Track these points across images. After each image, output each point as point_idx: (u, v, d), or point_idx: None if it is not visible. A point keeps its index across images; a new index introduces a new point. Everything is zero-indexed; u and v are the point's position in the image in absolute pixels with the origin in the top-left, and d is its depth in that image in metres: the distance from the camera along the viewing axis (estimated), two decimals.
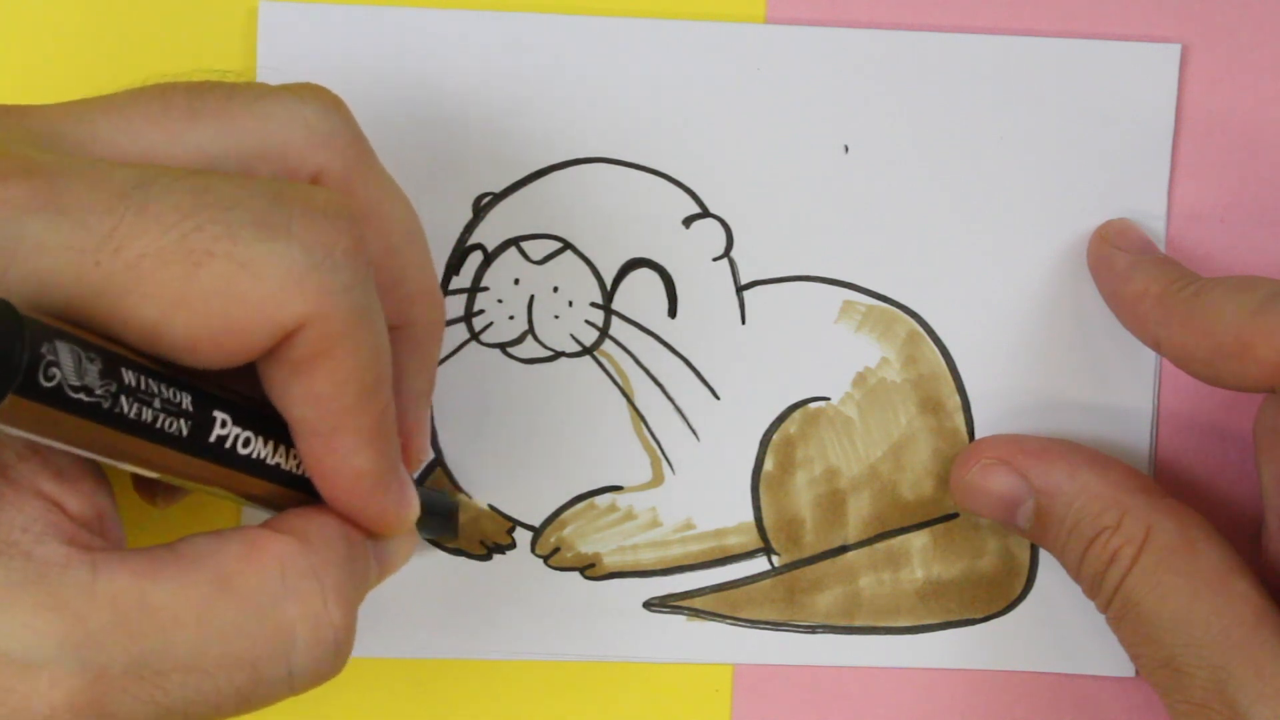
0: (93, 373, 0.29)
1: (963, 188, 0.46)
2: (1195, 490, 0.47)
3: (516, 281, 0.45)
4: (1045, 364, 0.46)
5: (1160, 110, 0.46)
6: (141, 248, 0.30)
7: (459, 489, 0.45)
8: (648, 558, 0.46)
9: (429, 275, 0.39)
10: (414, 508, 0.38)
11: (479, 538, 0.45)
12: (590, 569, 0.46)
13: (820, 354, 0.46)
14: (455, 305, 0.45)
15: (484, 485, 0.45)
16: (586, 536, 0.46)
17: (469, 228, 0.45)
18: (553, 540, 0.46)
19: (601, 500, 0.46)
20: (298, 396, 0.33)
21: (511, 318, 0.45)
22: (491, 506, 0.45)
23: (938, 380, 0.46)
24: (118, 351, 0.30)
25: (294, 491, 0.36)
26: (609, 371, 0.45)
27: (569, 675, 0.46)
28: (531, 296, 0.45)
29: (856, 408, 0.46)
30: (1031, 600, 0.47)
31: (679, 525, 0.46)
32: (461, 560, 0.45)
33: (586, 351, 0.45)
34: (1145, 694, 0.47)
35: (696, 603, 0.46)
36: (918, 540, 0.46)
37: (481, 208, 0.45)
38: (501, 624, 0.46)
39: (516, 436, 0.45)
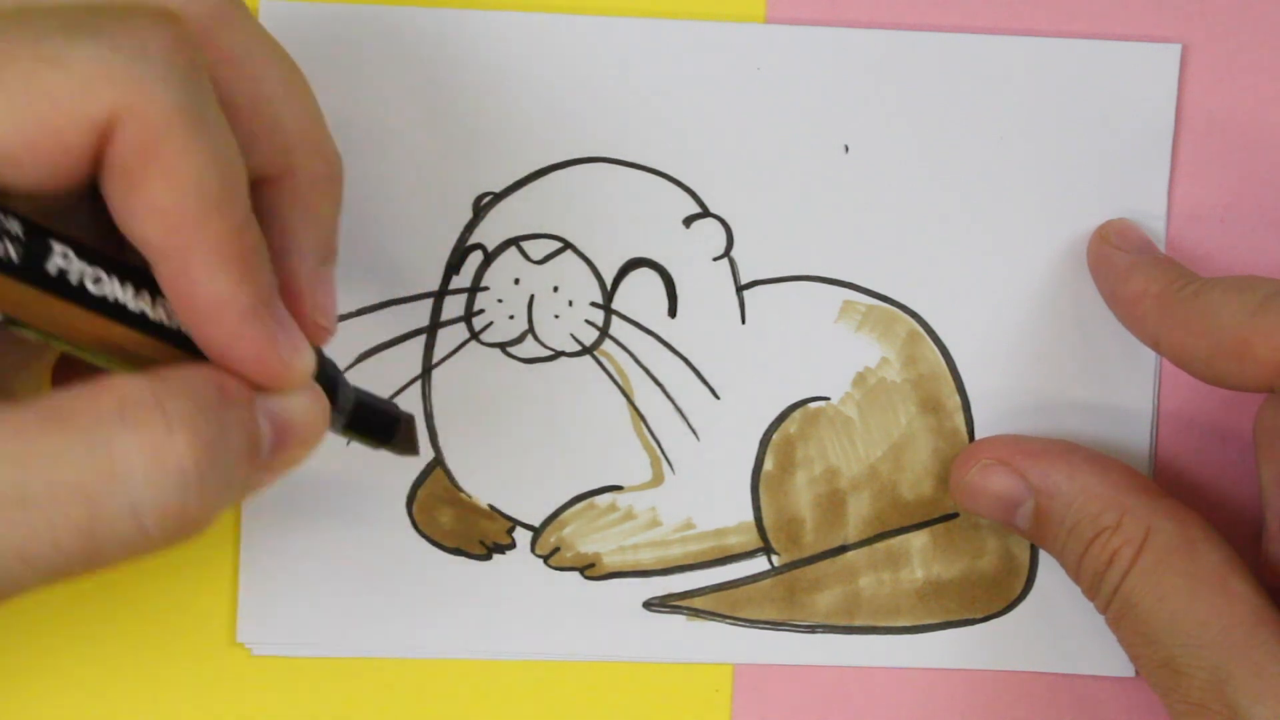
0: None
1: (963, 188, 0.46)
2: (1195, 490, 0.47)
3: (517, 281, 0.45)
4: (1045, 364, 0.46)
5: (1160, 110, 0.46)
6: None
7: (459, 488, 0.45)
8: (647, 557, 0.46)
9: (312, 125, 0.37)
10: (303, 355, 0.34)
11: (479, 537, 0.45)
12: (590, 569, 0.46)
13: (820, 354, 0.46)
14: (455, 305, 0.45)
15: (484, 485, 0.45)
16: (586, 536, 0.46)
17: (469, 227, 0.45)
18: (553, 540, 0.46)
19: (601, 500, 0.46)
20: (139, 211, 0.32)
21: (512, 317, 0.45)
22: (492, 506, 0.45)
23: (938, 380, 0.46)
24: None
25: (176, 350, 0.34)
26: (609, 371, 0.45)
27: (569, 675, 0.46)
28: (532, 296, 0.45)
29: (856, 408, 0.46)
30: (1031, 600, 0.47)
31: (679, 525, 0.46)
32: (461, 560, 0.45)
33: (586, 351, 0.45)
34: (1145, 694, 0.47)
35: (696, 602, 0.46)
36: (917, 540, 0.46)
37: (482, 207, 0.45)
38: (501, 624, 0.46)
39: (516, 436, 0.45)
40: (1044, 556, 0.46)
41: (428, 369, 0.45)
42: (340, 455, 0.45)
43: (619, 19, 0.45)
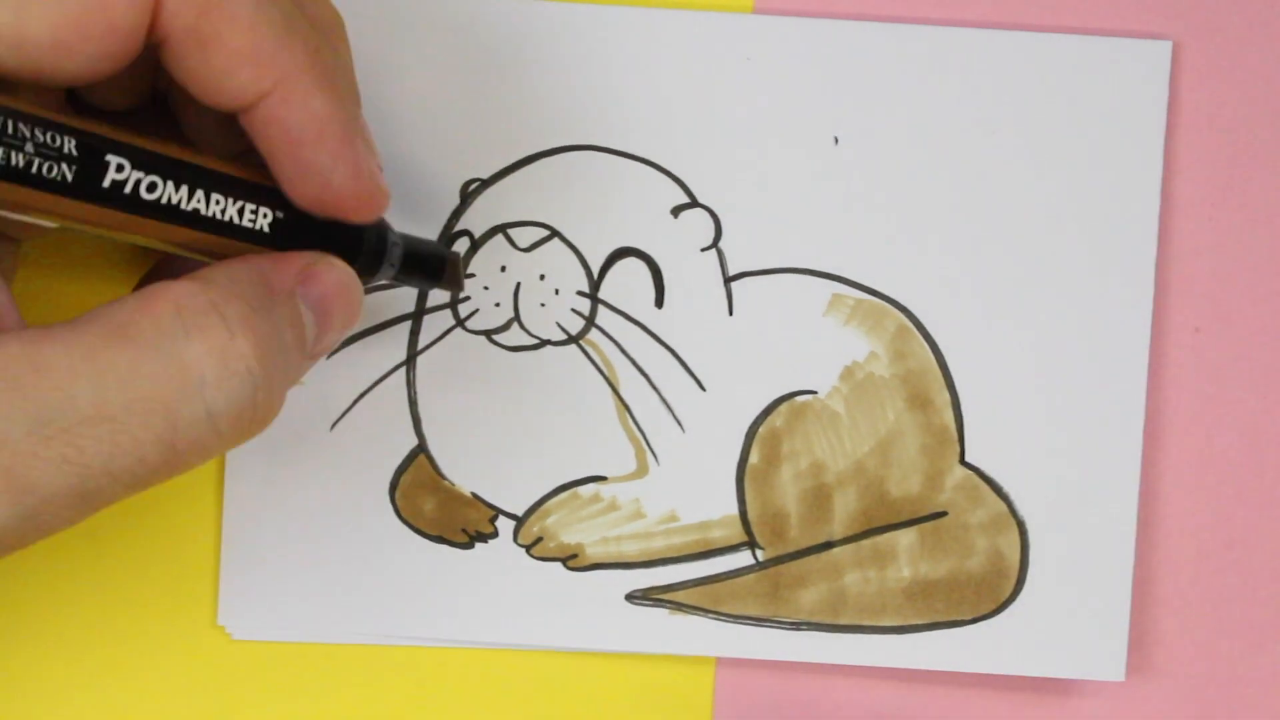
0: None
1: (954, 182, 0.46)
2: (1186, 485, 0.47)
3: (503, 268, 0.45)
4: (1035, 360, 0.46)
5: (1152, 106, 0.46)
6: None
7: (442, 476, 0.45)
8: (631, 549, 0.46)
9: None
10: (383, 180, 0.36)
11: (461, 526, 0.45)
12: (573, 560, 0.46)
13: (808, 347, 0.46)
14: (441, 292, 0.45)
15: (467, 473, 0.45)
16: (569, 527, 0.45)
17: (456, 214, 0.45)
18: (535, 530, 0.45)
19: (585, 490, 0.45)
20: (222, 65, 0.33)
21: (497, 305, 0.45)
22: (474, 494, 0.45)
23: (927, 375, 0.46)
24: None
25: (229, 241, 0.35)
26: (594, 361, 0.45)
27: (550, 665, 0.46)
28: (518, 284, 0.45)
29: (844, 402, 0.46)
30: (1021, 603, 0.46)
31: (663, 517, 0.46)
32: (444, 548, 0.45)
33: (572, 340, 0.45)
34: (1136, 699, 0.46)
35: (679, 596, 0.46)
36: (905, 538, 0.46)
37: (469, 194, 0.45)
38: (483, 613, 0.45)
39: (500, 425, 0.45)
40: (1034, 559, 0.46)
41: (412, 355, 0.45)
42: (324, 441, 0.45)
43: (609, 7, 0.45)
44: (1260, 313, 0.47)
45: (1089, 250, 0.46)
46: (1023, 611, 0.46)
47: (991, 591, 0.46)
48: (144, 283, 0.40)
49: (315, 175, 0.35)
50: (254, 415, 0.34)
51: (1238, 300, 0.47)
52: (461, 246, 0.45)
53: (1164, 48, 0.46)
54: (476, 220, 0.45)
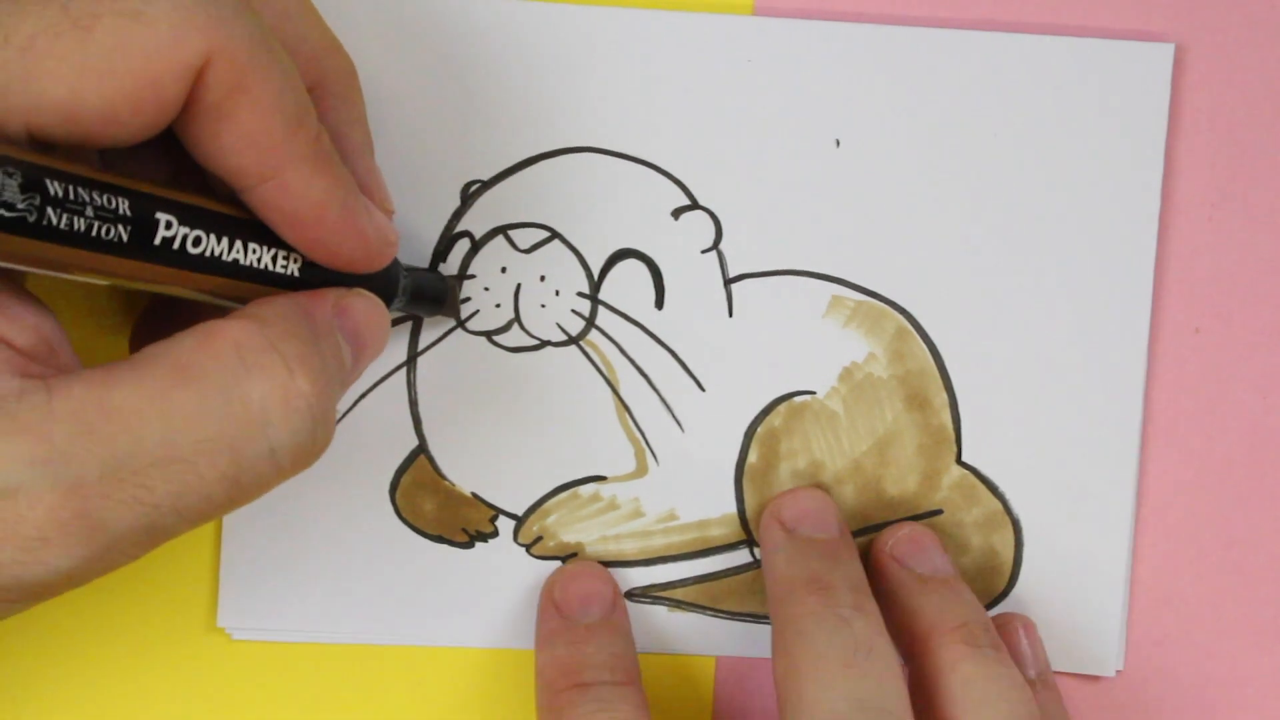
0: (12, 187, 0.29)
1: (954, 185, 0.46)
2: (1183, 488, 0.47)
3: (504, 270, 0.45)
4: (1033, 362, 0.46)
5: (1153, 108, 0.46)
6: (29, 29, 0.31)
7: (442, 476, 0.45)
8: (630, 548, 0.46)
9: (325, 30, 0.39)
10: (392, 231, 0.38)
11: (461, 525, 0.45)
12: (573, 559, 0.46)
13: (807, 348, 0.46)
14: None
15: (467, 473, 0.45)
16: (569, 526, 0.46)
17: (457, 215, 0.45)
18: (535, 529, 0.46)
19: (585, 490, 0.46)
20: (231, 144, 0.34)
21: (498, 306, 0.45)
22: (475, 494, 0.46)
23: (925, 377, 0.46)
24: (42, 163, 0.30)
25: (259, 285, 0.36)
26: (595, 361, 0.45)
27: None
28: (518, 285, 0.45)
29: (842, 402, 0.46)
30: (1013, 598, 0.46)
31: (662, 516, 0.46)
32: (444, 548, 0.45)
33: (572, 341, 0.45)
34: (1127, 693, 0.47)
35: (678, 594, 0.46)
36: None
37: (470, 195, 0.45)
38: (483, 612, 0.46)
39: (501, 425, 0.45)
40: (1027, 555, 0.46)
41: (413, 356, 0.45)
42: None
43: (610, 9, 0.45)
44: (1260, 313, 0.47)
45: (1089, 251, 0.46)
46: (1015, 607, 0.47)
47: (985, 587, 0.47)
48: (143, 321, 0.41)
49: (317, 247, 0.36)
50: (312, 448, 0.35)
51: (1238, 300, 0.47)
52: (462, 247, 0.45)
53: (1166, 50, 0.46)
54: (477, 221, 0.45)
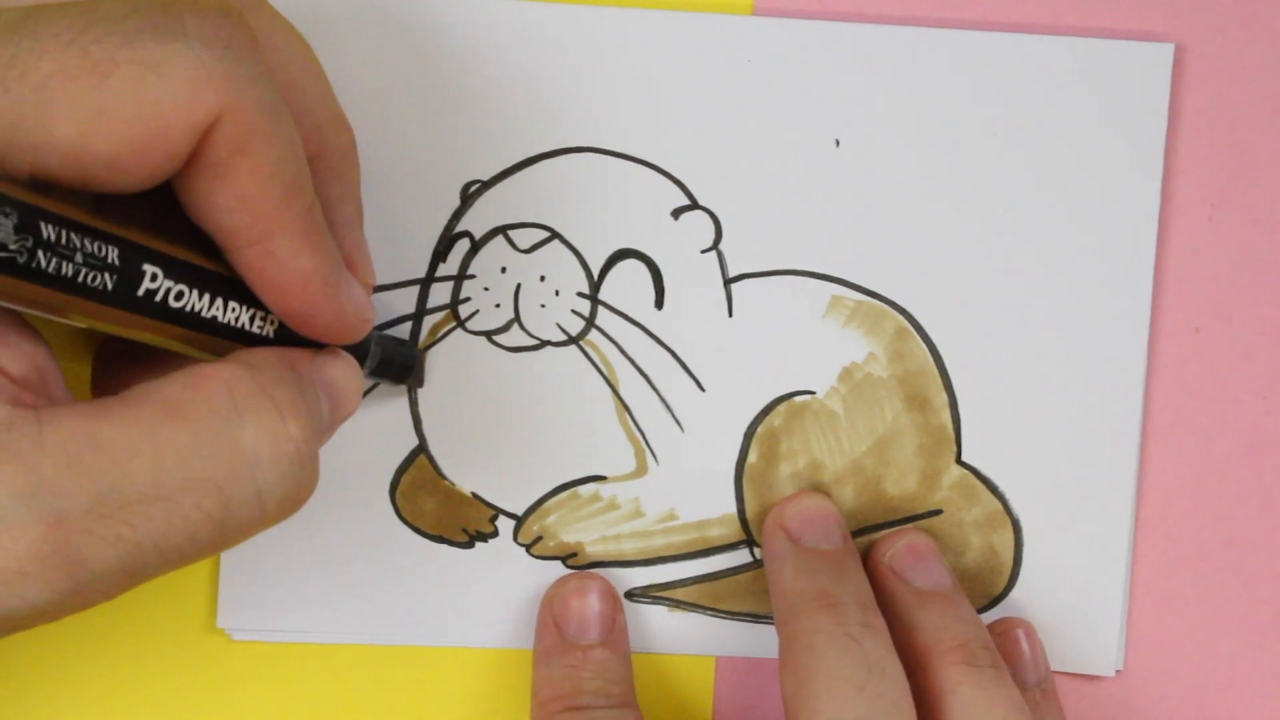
0: (7, 227, 0.29)
1: (954, 185, 0.46)
2: (1182, 490, 0.47)
3: (503, 270, 0.45)
4: (1033, 362, 0.46)
5: (1153, 108, 0.46)
6: (47, 68, 0.30)
7: (442, 476, 0.45)
8: (630, 548, 0.46)
9: (332, 102, 0.39)
10: (369, 309, 0.38)
11: (461, 525, 0.46)
12: (572, 558, 0.46)
13: (807, 348, 0.46)
14: (442, 292, 0.45)
15: (467, 473, 0.45)
16: (569, 526, 0.46)
17: (457, 215, 0.45)
18: (535, 529, 0.46)
19: (585, 490, 0.46)
20: (225, 204, 0.34)
21: (498, 306, 0.45)
22: (475, 494, 0.46)
23: (925, 377, 0.46)
24: (39, 205, 0.30)
25: (234, 343, 0.36)
26: (594, 361, 0.45)
27: None
28: (518, 285, 0.45)
29: (842, 402, 0.46)
30: (1014, 597, 0.46)
31: (662, 516, 0.46)
32: (444, 547, 0.45)
33: (572, 341, 0.45)
34: (1126, 692, 0.47)
35: (678, 594, 0.46)
36: None
37: (470, 195, 0.45)
38: (483, 611, 0.46)
39: (501, 425, 0.45)
40: (1027, 555, 0.46)
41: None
42: None
43: (609, 9, 0.45)
44: (1260, 313, 0.47)
45: (1089, 251, 0.46)
46: (1015, 607, 0.47)
47: (984, 587, 0.47)
48: (101, 358, 0.41)
49: (295, 317, 0.36)
50: (298, 494, 0.34)
51: (1238, 300, 0.47)
52: (462, 247, 0.45)
53: (1166, 50, 0.46)
54: (477, 221, 0.45)
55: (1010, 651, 0.45)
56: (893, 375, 0.46)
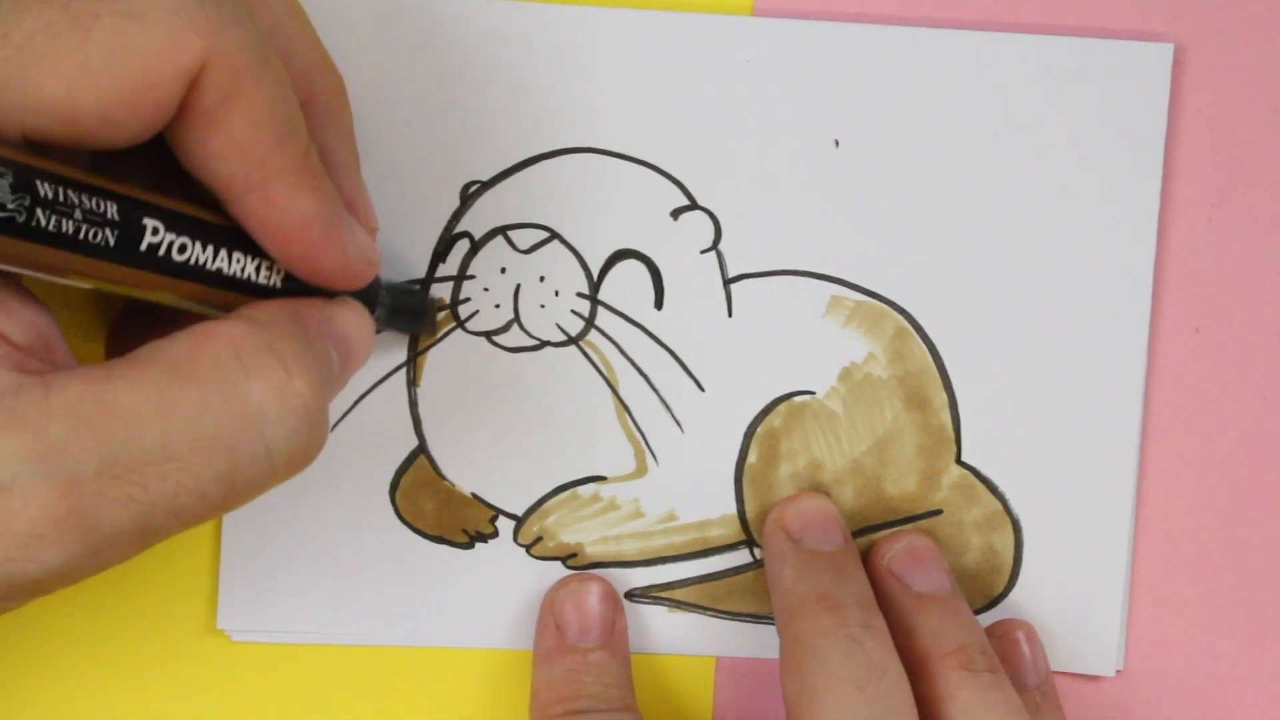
0: (3, 187, 0.29)
1: (954, 185, 0.46)
2: (1182, 490, 0.47)
3: (503, 270, 0.45)
4: (1033, 362, 0.46)
5: (1153, 108, 0.46)
6: (28, 27, 0.31)
7: (442, 476, 0.45)
8: (630, 548, 0.46)
9: (318, 47, 0.39)
10: (374, 251, 0.38)
11: (461, 526, 0.46)
12: (572, 559, 0.46)
13: (806, 348, 0.46)
14: (441, 293, 0.45)
15: (467, 473, 0.45)
16: (569, 526, 0.46)
17: (456, 215, 0.45)
18: (535, 529, 0.46)
19: (585, 490, 0.46)
20: (220, 151, 0.34)
21: (497, 306, 0.45)
22: (475, 495, 0.46)
23: (925, 377, 0.46)
24: (34, 164, 0.31)
25: (242, 295, 0.36)
26: (594, 362, 0.45)
27: None
28: (518, 285, 0.45)
29: (842, 402, 0.46)
30: (1014, 598, 0.47)
31: (662, 516, 0.46)
32: (444, 548, 0.45)
33: (572, 341, 0.45)
34: (1127, 692, 0.47)
35: (678, 594, 0.46)
36: None
37: (469, 196, 0.45)
38: (483, 612, 0.46)
39: (500, 425, 0.45)
40: (1028, 555, 0.46)
41: (412, 356, 0.45)
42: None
43: (608, 9, 0.45)
44: (1260, 313, 0.47)
45: (1089, 251, 0.46)
46: (1015, 607, 0.47)
47: (985, 587, 0.47)
48: (119, 325, 0.41)
49: (299, 262, 0.36)
50: (307, 449, 0.35)
51: (1238, 300, 0.47)
52: (462, 248, 0.45)
53: (1165, 50, 0.45)
54: (477, 222, 0.45)
55: (1010, 653, 0.45)
56: (892, 375, 0.46)
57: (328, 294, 0.38)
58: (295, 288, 0.38)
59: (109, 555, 0.32)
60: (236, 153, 0.34)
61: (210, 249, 0.35)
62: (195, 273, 0.35)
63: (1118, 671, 0.47)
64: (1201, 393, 0.47)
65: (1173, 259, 0.46)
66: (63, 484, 0.31)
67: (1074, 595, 0.46)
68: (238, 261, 0.36)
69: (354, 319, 0.38)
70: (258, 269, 0.36)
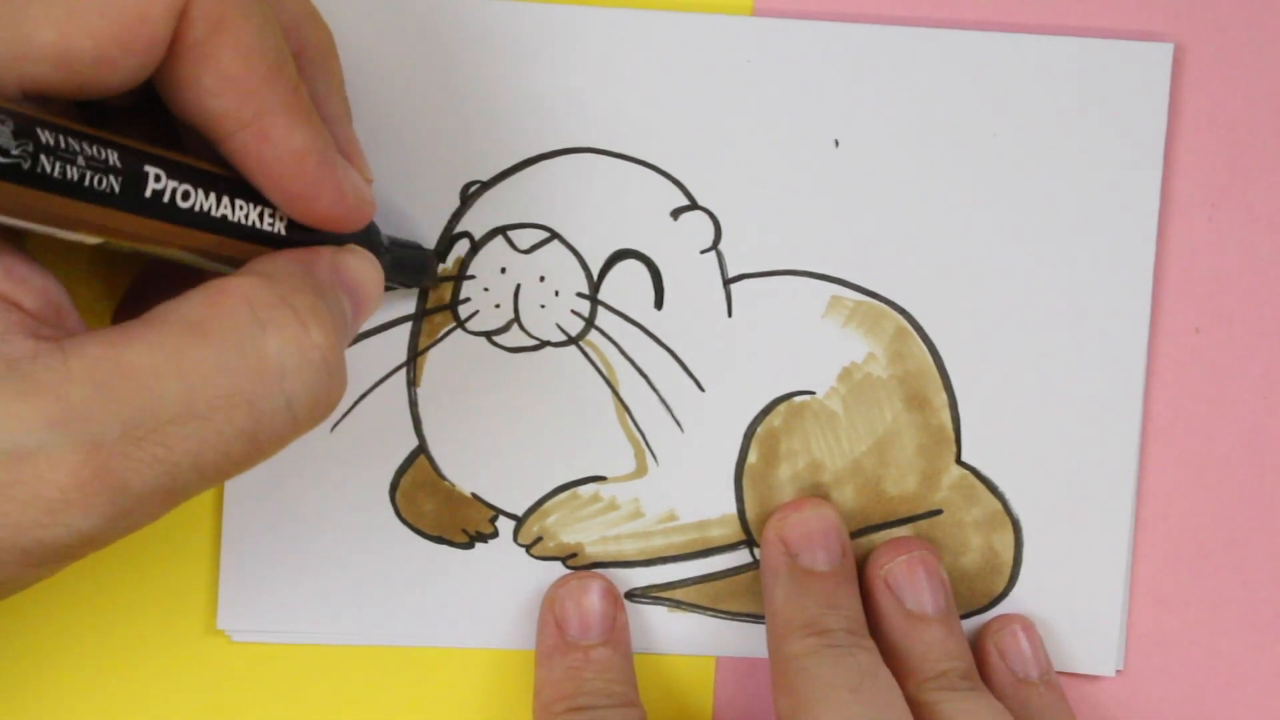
0: (5, 134, 0.29)
1: (954, 184, 0.46)
2: (1182, 490, 0.47)
3: (503, 270, 0.45)
4: (1033, 362, 0.46)
5: (1153, 108, 0.46)
6: None
7: (442, 476, 0.45)
8: (630, 548, 0.46)
9: (307, 1, 0.39)
10: (369, 193, 0.38)
11: (461, 526, 0.46)
12: (572, 559, 0.46)
13: (806, 348, 0.46)
14: (441, 292, 0.45)
15: (467, 473, 0.45)
16: (569, 526, 0.46)
17: (456, 215, 0.45)
18: (535, 529, 0.46)
19: (585, 490, 0.46)
20: (212, 87, 0.34)
21: (497, 306, 0.45)
22: (475, 495, 0.46)
23: (925, 377, 0.46)
24: (31, 113, 0.31)
25: (251, 244, 0.36)
26: (594, 362, 0.45)
27: None
28: (518, 285, 0.45)
29: (841, 402, 0.46)
30: (1014, 597, 0.46)
31: (662, 516, 0.46)
32: (444, 548, 0.45)
33: (572, 341, 0.45)
34: (1127, 692, 0.47)
35: (678, 594, 0.46)
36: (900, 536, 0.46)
37: (469, 196, 0.45)
38: (483, 612, 0.46)
39: (500, 425, 0.45)
40: (1027, 554, 0.46)
41: (413, 356, 0.45)
42: (324, 442, 0.45)
43: (608, 9, 0.45)
44: (1260, 313, 0.47)
45: (1089, 251, 0.46)
46: (1015, 606, 0.47)
47: (985, 587, 0.47)
48: (129, 296, 0.41)
49: (296, 200, 0.36)
50: (327, 399, 0.35)
51: (1238, 300, 0.47)
52: (462, 248, 0.45)
53: (1165, 50, 0.46)
54: (477, 222, 0.45)
55: (1009, 647, 0.45)
56: (892, 375, 0.46)
57: (335, 243, 0.38)
58: (300, 238, 0.38)
59: (137, 517, 0.32)
60: (228, 86, 0.34)
61: (213, 196, 0.35)
62: (201, 220, 0.35)
63: (1118, 671, 0.47)
64: (1201, 393, 0.47)
65: (1173, 259, 0.46)
66: (87, 448, 0.31)
67: (1074, 595, 0.46)
68: (240, 208, 0.36)
69: (363, 266, 0.38)
70: (260, 215, 0.36)
